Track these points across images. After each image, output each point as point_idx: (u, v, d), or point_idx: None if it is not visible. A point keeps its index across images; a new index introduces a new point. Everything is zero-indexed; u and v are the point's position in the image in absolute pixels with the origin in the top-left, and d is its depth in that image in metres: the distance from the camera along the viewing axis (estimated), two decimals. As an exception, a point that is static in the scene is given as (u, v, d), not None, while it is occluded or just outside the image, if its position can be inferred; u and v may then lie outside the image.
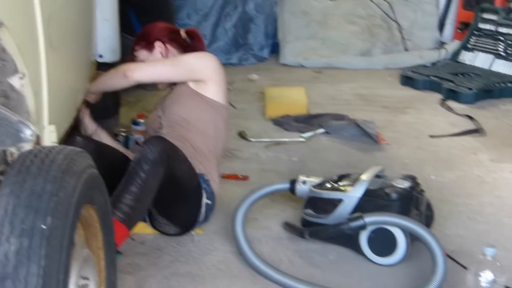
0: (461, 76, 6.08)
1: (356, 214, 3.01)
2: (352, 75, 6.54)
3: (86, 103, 3.52)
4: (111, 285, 2.23)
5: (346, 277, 2.96)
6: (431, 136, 4.78)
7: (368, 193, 3.12)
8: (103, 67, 3.90)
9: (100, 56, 3.98)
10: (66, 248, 1.69)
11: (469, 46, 6.58)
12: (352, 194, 3.12)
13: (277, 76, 6.48)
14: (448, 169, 4.18)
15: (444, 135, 4.80)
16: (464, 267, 2.94)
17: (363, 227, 2.99)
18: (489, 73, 6.16)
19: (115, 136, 4.09)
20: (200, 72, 3.40)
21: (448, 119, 5.18)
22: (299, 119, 4.98)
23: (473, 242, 3.26)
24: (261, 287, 2.87)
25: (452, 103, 5.53)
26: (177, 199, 3.12)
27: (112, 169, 2.97)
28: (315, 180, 3.33)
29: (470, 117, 5.15)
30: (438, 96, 5.72)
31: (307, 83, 6.04)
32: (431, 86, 5.94)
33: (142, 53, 3.57)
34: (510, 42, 6.22)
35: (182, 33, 3.64)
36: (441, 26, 7.31)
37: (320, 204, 3.21)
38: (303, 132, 4.76)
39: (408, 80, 6.13)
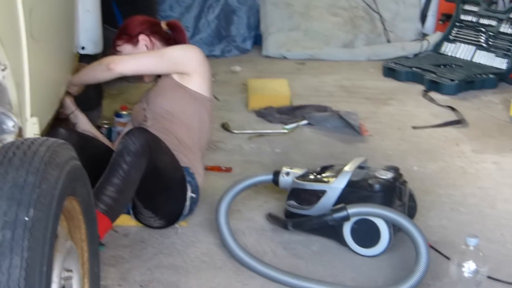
0: (443, 67, 6.09)
1: (340, 206, 3.01)
2: (334, 67, 6.53)
3: (69, 95, 3.51)
4: (95, 277, 2.23)
5: (329, 268, 2.97)
6: (414, 127, 4.79)
7: (351, 184, 3.12)
8: (86, 58, 3.89)
9: (83, 47, 3.96)
10: (49, 240, 1.68)
11: (451, 37, 6.59)
12: (335, 185, 3.13)
13: (260, 67, 6.47)
14: (431, 160, 4.20)
15: (426, 126, 4.81)
16: (447, 258, 2.95)
17: (346, 218, 2.99)
18: (470, 64, 6.17)
19: (98, 128, 4.07)
20: (184, 65, 3.39)
21: (430, 110, 5.19)
22: (282, 111, 4.97)
23: (455, 232, 3.27)
24: (245, 278, 2.87)
25: (434, 94, 5.54)
26: (161, 191, 3.12)
27: (95, 160, 2.97)
28: (299, 171, 3.33)
29: (452, 108, 5.16)
30: (420, 88, 5.73)
31: (290, 75, 6.03)
32: (414, 77, 5.94)
33: (126, 48, 3.52)
34: (491, 34, 6.24)
35: (163, 25, 3.61)
36: (423, 17, 7.32)
37: (303, 196, 3.21)
38: (286, 123, 4.76)
39: (390, 71, 6.13)
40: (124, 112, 4.13)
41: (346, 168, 3.20)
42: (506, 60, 6.02)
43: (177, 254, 3.05)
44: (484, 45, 6.28)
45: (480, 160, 4.22)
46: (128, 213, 3.22)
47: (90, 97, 3.93)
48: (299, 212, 3.20)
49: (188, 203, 3.23)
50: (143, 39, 3.51)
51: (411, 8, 7.32)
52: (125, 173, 2.84)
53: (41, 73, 2.60)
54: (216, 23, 7.00)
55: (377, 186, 3.08)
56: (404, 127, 4.80)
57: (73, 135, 3.17)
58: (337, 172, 3.19)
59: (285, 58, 6.85)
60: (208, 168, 3.86)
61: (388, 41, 7.17)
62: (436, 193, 3.71)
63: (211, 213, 3.26)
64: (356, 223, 3.05)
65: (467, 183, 3.88)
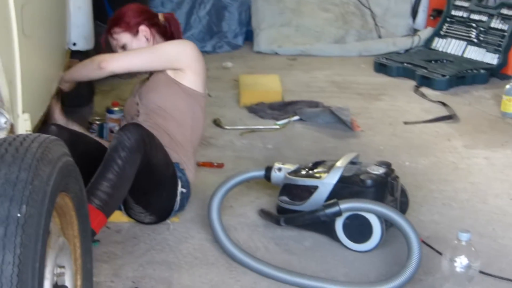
0: (434, 62, 6.10)
1: (332, 201, 3.01)
2: (326, 62, 6.54)
3: (60, 91, 3.50)
4: (87, 273, 2.22)
5: (322, 264, 2.97)
6: (405, 123, 4.80)
7: (343, 180, 3.13)
8: (77, 55, 3.88)
9: (74, 44, 3.96)
10: (41, 237, 1.68)
11: (442, 33, 6.60)
12: (327, 181, 3.13)
13: (251, 63, 6.47)
14: (422, 155, 4.21)
15: (418, 122, 4.82)
16: (439, 253, 2.96)
17: (338, 213, 3.00)
18: (461, 60, 6.19)
19: (89, 124, 4.07)
20: (178, 61, 3.35)
21: (422, 106, 5.20)
22: (273, 107, 4.97)
23: (447, 227, 3.28)
24: (237, 274, 2.87)
25: (425, 90, 5.55)
26: (153, 187, 3.11)
27: (87, 157, 2.97)
28: (290, 167, 3.33)
29: (444, 104, 5.17)
30: (411, 83, 5.74)
31: (281, 71, 6.04)
32: (405, 73, 5.96)
33: (124, 36, 3.44)
34: (482, 29, 6.25)
35: (161, 17, 3.57)
36: (414, 13, 7.32)
37: (295, 191, 3.21)
38: (278, 119, 4.76)
39: (382, 67, 6.15)
40: (115, 108, 4.11)
41: (338, 163, 3.20)
42: (497, 56, 6.03)
43: (169, 250, 3.05)
44: (475, 40, 6.30)
45: (471, 155, 4.23)
46: (119, 208, 3.21)
47: (82, 94, 3.93)
48: (291, 207, 3.20)
49: (178, 198, 3.22)
50: (143, 30, 3.45)
51: (402, 3, 7.34)
52: (120, 168, 2.83)
53: (32, 69, 2.60)
54: (207, 19, 7.00)
55: (369, 182, 3.08)
56: (396, 123, 4.81)
57: (65, 131, 3.16)
58: (329, 168, 3.20)
59: (276, 54, 6.86)
60: (200, 164, 3.86)
61: (379, 37, 7.18)
62: (428, 188, 3.72)
63: (203, 209, 3.26)
64: (348, 218, 3.05)
65: (458, 178, 3.89)
